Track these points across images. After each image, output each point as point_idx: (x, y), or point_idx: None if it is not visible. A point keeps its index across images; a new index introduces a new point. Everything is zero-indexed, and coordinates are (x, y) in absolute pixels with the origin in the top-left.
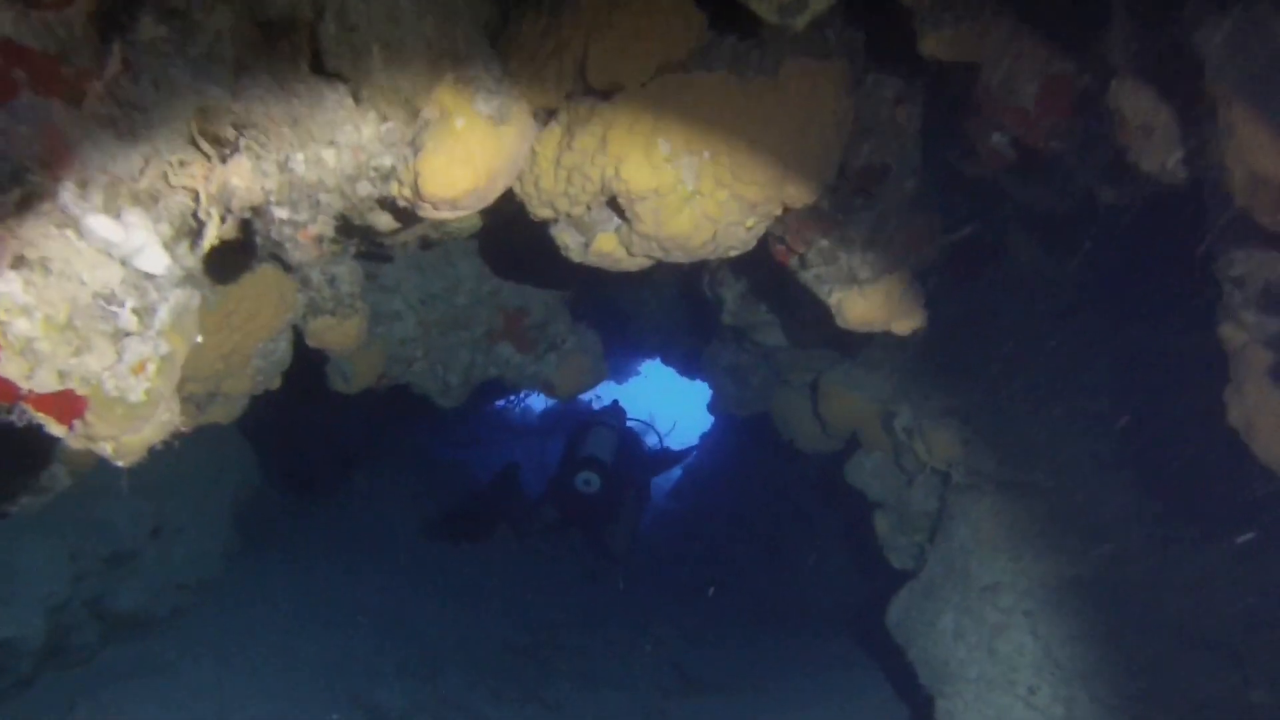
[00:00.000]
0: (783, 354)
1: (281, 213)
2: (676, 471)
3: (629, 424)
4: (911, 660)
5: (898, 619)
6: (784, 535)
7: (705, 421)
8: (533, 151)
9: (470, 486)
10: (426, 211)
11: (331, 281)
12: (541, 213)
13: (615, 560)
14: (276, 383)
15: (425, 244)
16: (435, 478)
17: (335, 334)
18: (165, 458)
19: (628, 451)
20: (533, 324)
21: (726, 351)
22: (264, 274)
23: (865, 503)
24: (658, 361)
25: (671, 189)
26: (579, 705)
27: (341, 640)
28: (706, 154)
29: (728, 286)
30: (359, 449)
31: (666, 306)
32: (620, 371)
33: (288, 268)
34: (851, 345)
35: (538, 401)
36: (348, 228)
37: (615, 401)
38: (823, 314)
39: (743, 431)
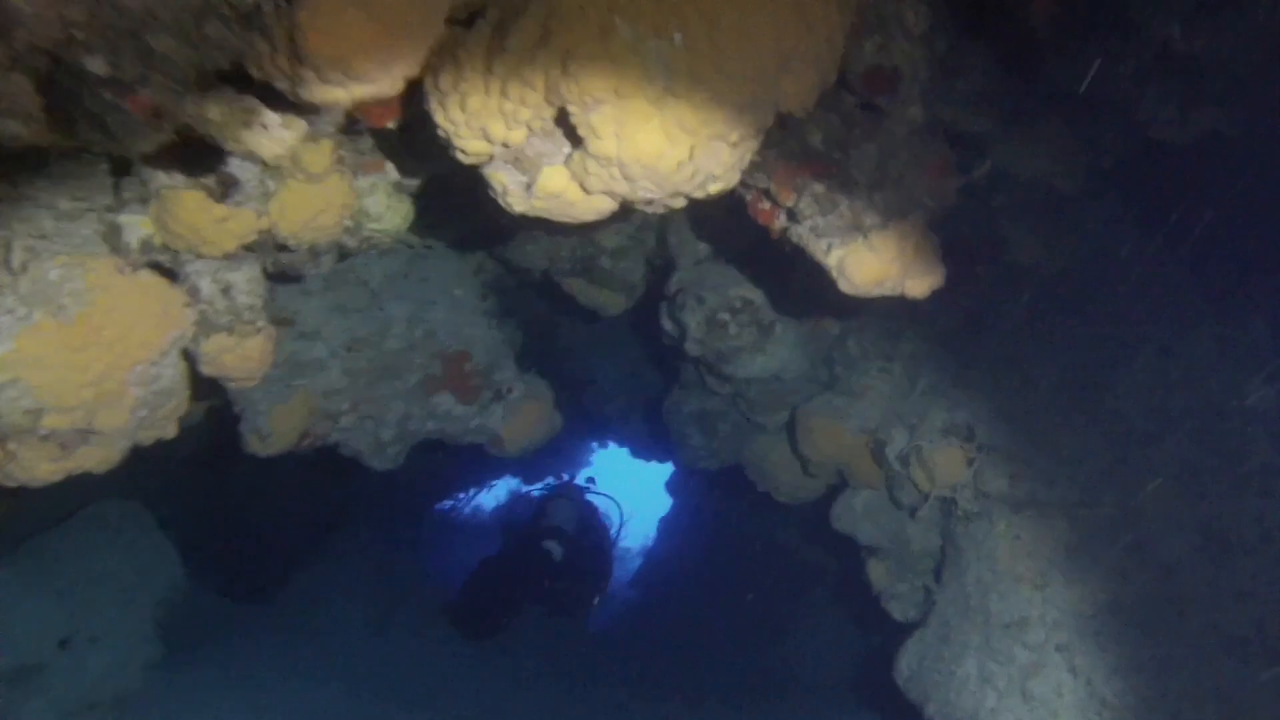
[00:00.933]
0: (756, 387)
1: (96, 64)
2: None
3: (589, 498)
4: (931, 717)
5: (910, 672)
6: (767, 600)
7: (664, 506)
8: (456, 61)
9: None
10: (311, 88)
11: (226, 291)
12: (472, 145)
13: (572, 617)
14: (171, 430)
15: (343, 254)
16: (385, 578)
17: (234, 356)
18: (76, 557)
19: (588, 524)
20: (475, 370)
21: (691, 398)
22: (141, 281)
23: (857, 549)
24: (610, 447)
25: (637, 88)
26: None
27: None
28: (678, 37)
29: (691, 310)
30: (300, 548)
31: (623, 373)
32: (572, 461)
33: (172, 275)
34: (847, 312)
35: (488, 499)
36: (215, 153)
37: (572, 477)
38: (820, 285)
39: (710, 494)
